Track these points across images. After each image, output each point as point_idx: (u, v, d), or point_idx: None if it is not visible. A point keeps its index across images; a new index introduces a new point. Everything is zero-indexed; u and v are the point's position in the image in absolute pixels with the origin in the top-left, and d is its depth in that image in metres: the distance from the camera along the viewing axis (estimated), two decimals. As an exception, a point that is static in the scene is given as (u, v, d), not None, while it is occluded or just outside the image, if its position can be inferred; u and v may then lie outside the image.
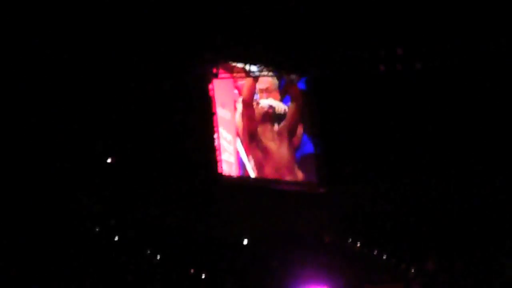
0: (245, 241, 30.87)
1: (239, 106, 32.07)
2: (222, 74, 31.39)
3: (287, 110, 32.49)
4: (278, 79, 32.41)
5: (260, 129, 32.17)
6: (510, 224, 29.81)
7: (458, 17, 28.81)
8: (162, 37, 29.50)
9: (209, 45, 30.82)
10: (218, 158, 31.44)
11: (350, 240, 32.59)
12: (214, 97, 31.41)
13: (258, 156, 32.19)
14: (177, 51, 29.99)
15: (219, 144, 31.47)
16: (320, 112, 32.89)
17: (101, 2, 28.03)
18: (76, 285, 24.15)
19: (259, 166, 32.20)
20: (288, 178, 32.49)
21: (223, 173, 31.51)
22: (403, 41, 29.10)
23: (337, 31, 30.25)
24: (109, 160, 30.55)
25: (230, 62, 31.80)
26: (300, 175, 32.66)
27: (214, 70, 31.14)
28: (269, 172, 32.36)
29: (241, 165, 32.02)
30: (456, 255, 28.86)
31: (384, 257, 31.24)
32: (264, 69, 31.43)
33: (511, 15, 27.70)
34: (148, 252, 28.21)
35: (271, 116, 32.30)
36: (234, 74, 31.77)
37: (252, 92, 32.00)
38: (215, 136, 31.33)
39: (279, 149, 32.45)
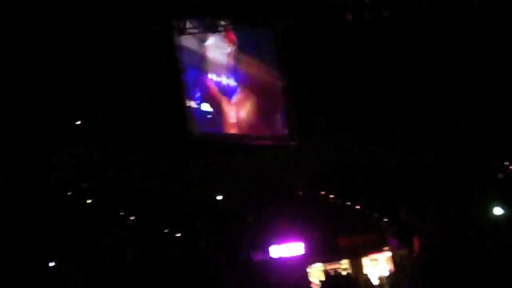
0: (219, 197, 30.92)
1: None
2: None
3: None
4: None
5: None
6: (479, 171, 30.08)
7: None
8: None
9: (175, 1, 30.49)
10: (188, 116, 31.30)
11: (324, 192, 32.75)
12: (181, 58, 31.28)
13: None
14: (144, 7, 29.63)
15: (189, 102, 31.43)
16: (289, 64, 32.69)
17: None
18: (51, 249, 24.16)
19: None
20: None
21: (194, 131, 31.43)
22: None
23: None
24: (78, 123, 30.35)
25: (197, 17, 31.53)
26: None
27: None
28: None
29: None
30: (428, 204, 29.01)
31: (358, 208, 31.44)
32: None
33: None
34: (122, 213, 28.24)
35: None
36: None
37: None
38: (184, 96, 31.19)
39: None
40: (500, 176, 31.30)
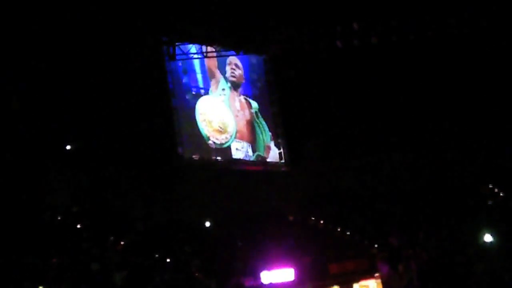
0: (207, 224, 30.76)
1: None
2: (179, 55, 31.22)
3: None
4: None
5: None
6: (469, 198, 30.20)
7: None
8: (119, 21, 29.18)
9: (166, 27, 30.56)
10: (177, 140, 31.33)
11: (314, 218, 32.71)
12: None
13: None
14: (134, 35, 29.71)
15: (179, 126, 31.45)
16: (280, 90, 32.86)
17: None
18: (40, 274, 23.96)
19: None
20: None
21: (184, 155, 31.44)
22: (359, 16, 29.06)
23: (293, 8, 30.14)
24: (68, 147, 30.23)
25: (187, 44, 31.61)
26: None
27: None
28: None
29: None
30: (418, 230, 29.08)
31: (348, 234, 31.40)
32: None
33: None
34: (112, 238, 28.05)
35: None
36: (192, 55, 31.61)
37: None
38: (174, 118, 31.24)
39: None
40: (490, 202, 31.43)
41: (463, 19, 27.05)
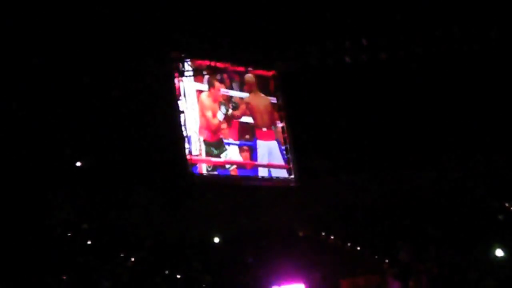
0: (217, 240, 30.75)
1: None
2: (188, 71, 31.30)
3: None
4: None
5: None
6: (480, 213, 30.10)
7: (420, 6, 28.91)
8: (127, 36, 29.28)
9: (175, 43, 30.66)
10: (187, 157, 31.36)
11: (324, 233, 32.67)
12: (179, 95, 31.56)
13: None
14: (143, 50, 29.78)
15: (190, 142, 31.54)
16: (289, 105, 32.90)
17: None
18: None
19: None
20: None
21: (194, 172, 31.47)
22: (367, 31, 29.12)
23: (301, 24, 30.22)
24: (78, 164, 30.30)
25: (196, 60, 31.66)
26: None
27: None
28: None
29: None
30: (429, 245, 28.98)
31: (358, 249, 31.35)
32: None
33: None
34: (122, 255, 28.10)
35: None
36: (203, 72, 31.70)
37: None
38: (184, 134, 31.24)
39: None
40: (500, 217, 31.29)
41: (471, 35, 27.10)
